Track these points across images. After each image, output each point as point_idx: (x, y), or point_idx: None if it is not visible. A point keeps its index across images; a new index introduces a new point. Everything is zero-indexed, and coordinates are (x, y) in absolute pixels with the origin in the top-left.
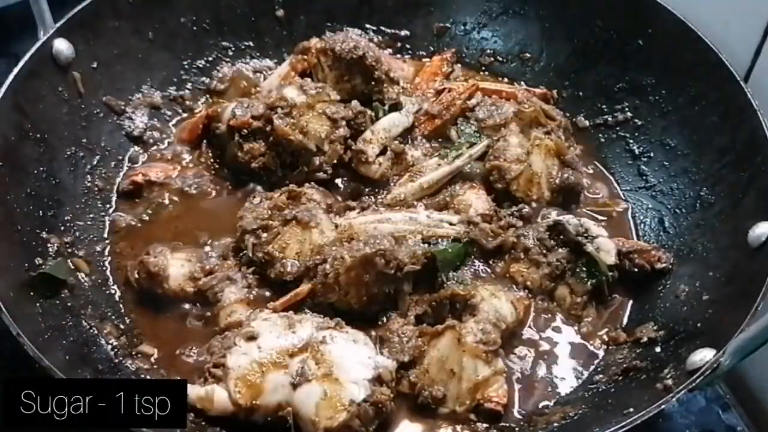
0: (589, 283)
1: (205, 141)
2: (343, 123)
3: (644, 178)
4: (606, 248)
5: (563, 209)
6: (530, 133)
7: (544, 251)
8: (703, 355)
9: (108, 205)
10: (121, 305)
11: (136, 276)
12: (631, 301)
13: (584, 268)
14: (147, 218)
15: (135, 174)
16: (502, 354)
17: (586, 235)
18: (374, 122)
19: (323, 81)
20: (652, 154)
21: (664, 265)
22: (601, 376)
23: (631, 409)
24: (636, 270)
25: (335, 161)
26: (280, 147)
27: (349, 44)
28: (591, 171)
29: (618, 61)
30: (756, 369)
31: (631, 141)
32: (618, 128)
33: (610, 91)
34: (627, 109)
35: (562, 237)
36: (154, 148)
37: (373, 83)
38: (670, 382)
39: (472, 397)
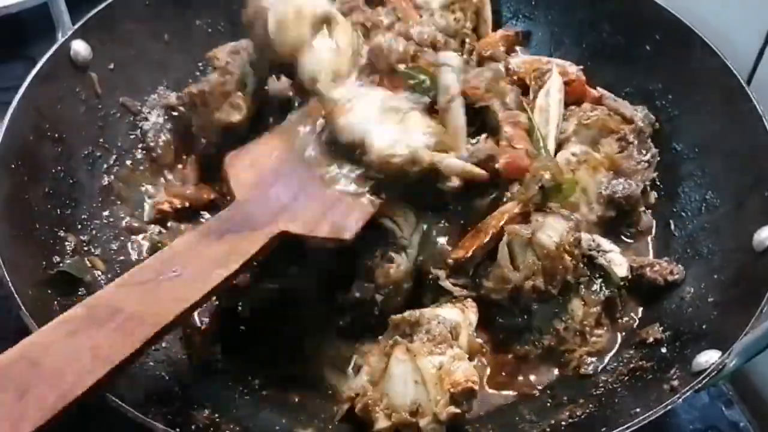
0: (602, 295)
1: None
2: None
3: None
4: (618, 262)
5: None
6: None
7: None
8: (709, 357)
9: None
10: None
11: None
12: (638, 304)
13: (597, 282)
14: None
15: None
16: (455, 343)
17: (597, 249)
18: None
19: None
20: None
21: (676, 276)
22: (608, 376)
23: (638, 410)
24: (649, 283)
25: None
26: None
27: None
28: None
29: (625, 66)
30: (759, 367)
31: None
32: None
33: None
34: None
35: None
36: None
37: None
38: (676, 383)
39: (444, 390)
